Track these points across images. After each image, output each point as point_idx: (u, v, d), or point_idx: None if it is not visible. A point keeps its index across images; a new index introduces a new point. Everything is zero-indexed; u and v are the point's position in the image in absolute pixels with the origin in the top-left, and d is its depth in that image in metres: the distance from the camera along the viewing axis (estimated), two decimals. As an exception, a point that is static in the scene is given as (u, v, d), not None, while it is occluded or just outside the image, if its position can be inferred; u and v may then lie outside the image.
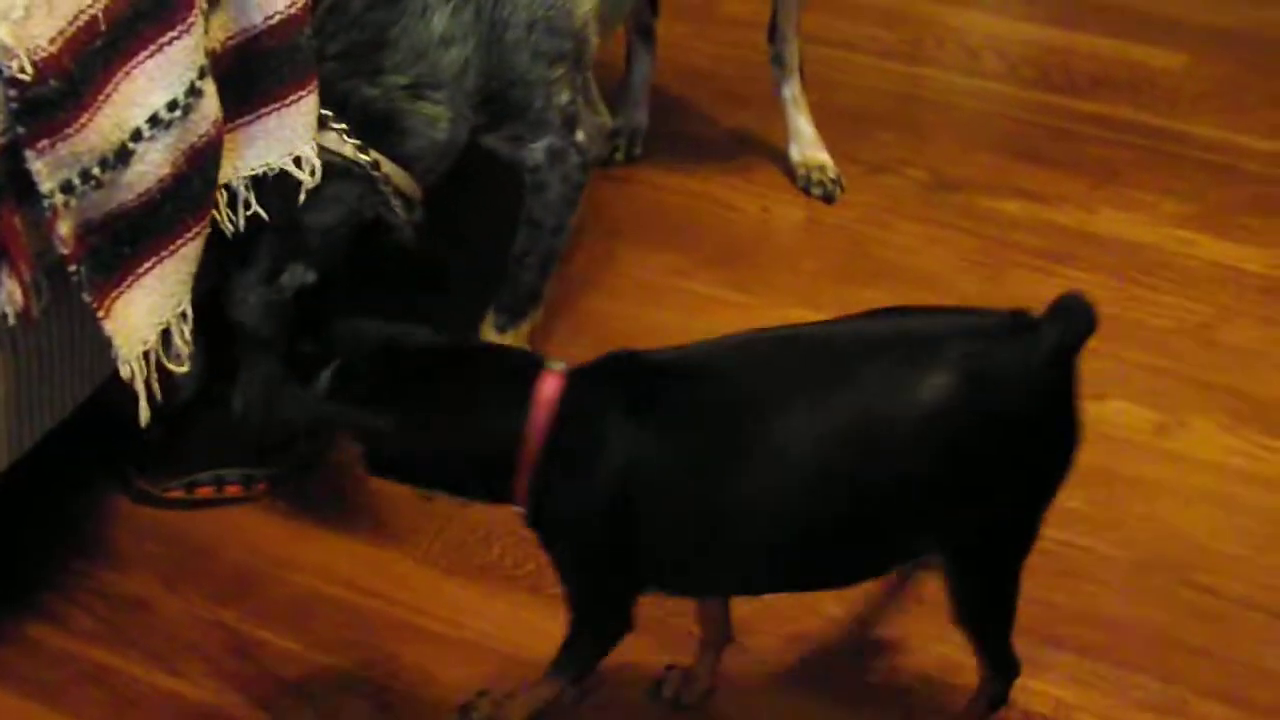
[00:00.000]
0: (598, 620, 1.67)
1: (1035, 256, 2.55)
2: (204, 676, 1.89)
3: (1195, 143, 2.81)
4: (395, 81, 2.00)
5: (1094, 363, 2.31)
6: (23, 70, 1.53)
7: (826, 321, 1.67)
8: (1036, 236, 2.59)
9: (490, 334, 2.22)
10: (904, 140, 2.80)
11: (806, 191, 2.70)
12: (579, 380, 1.58)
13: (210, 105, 1.73)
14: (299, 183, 1.90)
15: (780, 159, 2.74)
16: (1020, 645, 1.92)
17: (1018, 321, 1.57)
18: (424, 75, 2.01)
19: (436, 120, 2.04)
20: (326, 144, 1.94)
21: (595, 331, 2.35)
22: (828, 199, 2.69)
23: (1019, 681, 1.84)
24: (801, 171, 2.72)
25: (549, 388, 1.56)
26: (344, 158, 1.95)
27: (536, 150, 2.17)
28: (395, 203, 2.01)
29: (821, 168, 2.72)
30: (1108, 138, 2.82)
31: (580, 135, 2.21)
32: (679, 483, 1.55)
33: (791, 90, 2.71)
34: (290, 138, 1.87)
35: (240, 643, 1.93)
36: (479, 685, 1.87)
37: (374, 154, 1.99)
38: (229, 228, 1.87)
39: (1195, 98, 2.91)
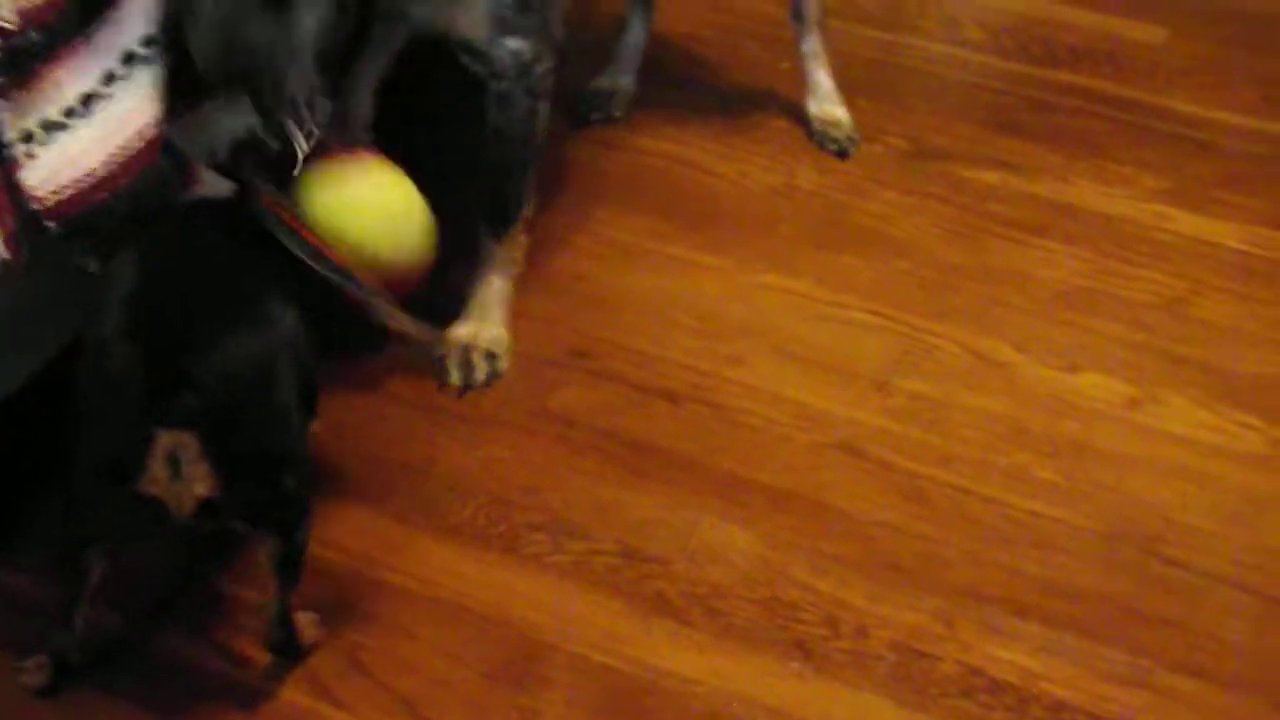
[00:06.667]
0: None
1: (1012, 227, 2.55)
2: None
3: (1173, 117, 2.82)
4: None
5: (1068, 335, 2.37)
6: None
7: None
8: (1014, 207, 2.60)
9: (489, 244, 2.20)
10: (883, 108, 2.80)
11: (822, 147, 2.69)
12: None
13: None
14: None
15: (760, 125, 2.74)
16: (989, 615, 1.94)
17: None
18: None
19: None
20: None
21: (570, 292, 2.35)
22: (842, 155, 2.68)
23: (988, 650, 1.86)
24: (818, 127, 2.71)
25: None
26: None
27: (504, 50, 2.08)
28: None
29: (838, 124, 2.71)
30: (1087, 110, 2.83)
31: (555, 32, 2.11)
32: None
33: (811, 45, 2.71)
34: None
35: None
36: (454, 645, 1.88)
37: None
38: None
39: (1174, 72, 2.92)
